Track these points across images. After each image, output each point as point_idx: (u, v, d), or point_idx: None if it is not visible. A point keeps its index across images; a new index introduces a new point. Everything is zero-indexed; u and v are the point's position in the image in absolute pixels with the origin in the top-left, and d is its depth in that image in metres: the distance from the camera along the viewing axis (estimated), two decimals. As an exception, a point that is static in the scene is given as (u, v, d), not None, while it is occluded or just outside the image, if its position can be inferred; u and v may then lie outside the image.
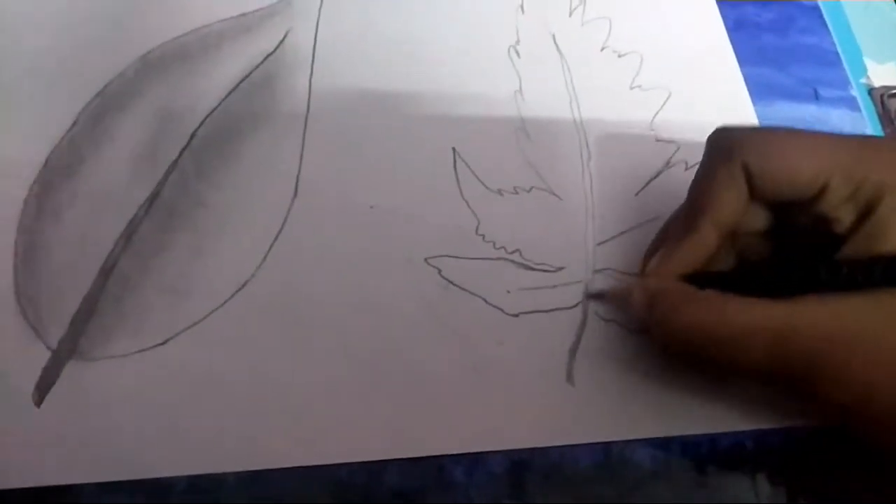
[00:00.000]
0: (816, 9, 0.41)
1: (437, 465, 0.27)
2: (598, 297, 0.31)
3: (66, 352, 0.27)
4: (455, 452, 0.27)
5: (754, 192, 0.26)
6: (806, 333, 0.23)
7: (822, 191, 0.25)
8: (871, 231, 0.24)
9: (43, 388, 0.26)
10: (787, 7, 0.41)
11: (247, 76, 0.33)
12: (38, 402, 0.26)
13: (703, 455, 0.29)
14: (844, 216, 0.25)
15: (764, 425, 0.29)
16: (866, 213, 0.25)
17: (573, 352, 0.30)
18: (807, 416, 0.29)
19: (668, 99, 0.35)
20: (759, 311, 0.24)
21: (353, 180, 0.32)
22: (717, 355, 0.25)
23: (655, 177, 0.33)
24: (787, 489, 0.29)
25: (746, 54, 0.38)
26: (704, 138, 0.28)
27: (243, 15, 0.35)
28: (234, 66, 0.33)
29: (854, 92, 0.39)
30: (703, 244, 0.27)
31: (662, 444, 0.29)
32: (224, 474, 0.26)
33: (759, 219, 0.28)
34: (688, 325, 0.25)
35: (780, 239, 0.28)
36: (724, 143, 0.27)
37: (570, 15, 0.37)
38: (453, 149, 0.33)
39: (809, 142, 0.26)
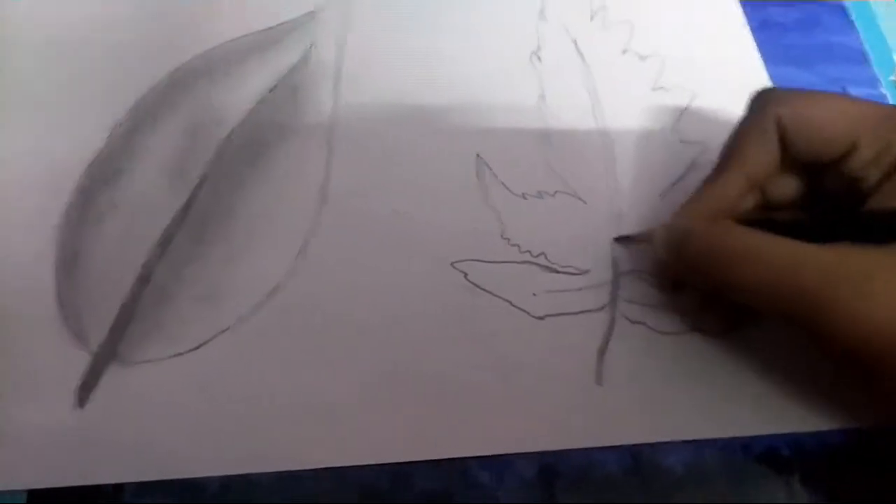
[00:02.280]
0: (842, 7, 0.41)
1: (463, 468, 0.28)
2: (625, 239, 0.32)
3: (105, 356, 0.28)
4: (482, 455, 0.28)
5: (786, 151, 0.27)
6: (813, 267, 0.23)
7: (851, 149, 0.26)
8: (892, 186, 0.25)
9: (84, 392, 0.27)
10: (812, 6, 0.41)
11: (273, 88, 0.34)
12: (81, 405, 0.27)
13: (736, 459, 0.29)
14: (871, 175, 0.26)
15: (799, 429, 0.29)
16: (891, 171, 0.25)
17: (601, 353, 0.30)
18: (843, 420, 0.29)
19: (692, 100, 0.35)
20: (778, 241, 0.24)
21: (380, 188, 0.32)
22: (731, 277, 0.25)
23: (680, 178, 0.33)
24: (824, 495, 0.28)
25: (772, 54, 0.38)
26: (729, 139, 0.28)
27: (269, 29, 0.35)
28: (261, 79, 0.34)
29: (883, 89, 0.39)
30: (727, 189, 0.28)
31: (694, 447, 0.29)
32: (255, 475, 0.27)
33: (789, 186, 0.28)
34: (708, 246, 0.26)
35: (810, 208, 0.29)
36: (761, 98, 0.28)
37: (592, 19, 0.38)
38: (477, 155, 0.33)
39: (841, 101, 0.27)
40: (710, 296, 0.29)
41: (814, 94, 0.27)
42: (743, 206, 0.28)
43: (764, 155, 0.27)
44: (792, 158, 0.27)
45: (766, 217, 0.29)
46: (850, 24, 0.40)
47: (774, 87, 0.29)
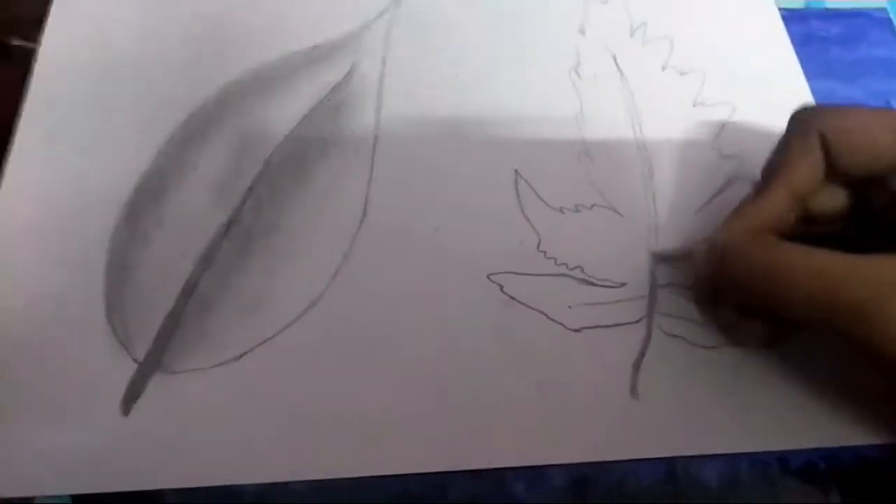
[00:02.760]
0: (888, 21, 0.40)
1: (499, 479, 0.28)
2: (664, 258, 0.32)
3: (151, 365, 0.29)
4: (518, 465, 0.28)
5: (831, 166, 0.27)
6: (857, 280, 0.23)
7: None
8: None
9: (130, 399, 0.28)
10: (856, 20, 0.40)
11: (317, 105, 0.35)
12: (126, 412, 0.28)
13: (772, 473, 0.28)
14: None
15: (837, 444, 0.28)
16: None
17: (637, 366, 0.29)
18: (882, 435, 0.29)
19: (731, 115, 0.35)
20: (823, 254, 0.24)
21: (419, 203, 0.33)
22: (776, 291, 0.25)
23: (718, 192, 0.33)
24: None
25: (814, 68, 0.38)
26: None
27: (315, 47, 0.37)
28: (306, 96, 0.35)
29: (928, 103, 0.38)
30: (771, 205, 0.27)
31: (730, 461, 0.28)
32: (292, 483, 0.27)
33: (835, 199, 0.28)
34: (751, 259, 0.26)
35: (857, 222, 0.28)
36: (803, 115, 0.28)
37: (632, 35, 0.38)
38: (515, 170, 0.33)
39: (886, 116, 0.26)
40: (750, 311, 0.28)
41: (857, 110, 0.27)
42: (787, 222, 0.28)
43: (808, 171, 0.27)
44: (836, 173, 0.27)
45: (809, 231, 0.28)
46: (894, 37, 0.39)
47: (816, 104, 0.28)
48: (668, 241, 0.32)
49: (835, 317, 0.24)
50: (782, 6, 0.40)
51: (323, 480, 0.27)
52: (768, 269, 0.25)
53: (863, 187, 0.28)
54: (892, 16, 0.40)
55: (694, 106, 0.36)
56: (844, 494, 0.28)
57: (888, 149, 0.26)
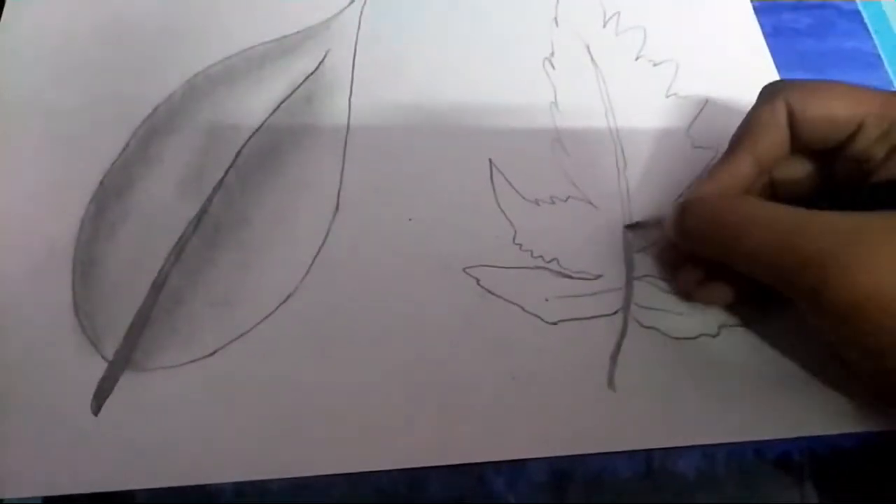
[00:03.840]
0: (856, 13, 0.41)
1: (477, 474, 0.28)
2: (635, 226, 0.32)
3: (121, 363, 0.28)
4: (496, 460, 0.28)
5: (795, 136, 0.28)
6: (816, 230, 0.23)
7: (858, 129, 0.27)
8: None
9: (100, 398, 0.28)
10: (825, 12, 0.40)
11: (288, 96, 0.34)
12: (96, 412, 0.27)
13: (748, 464, 0.28)
14: (877, 152, 0.27)
15: (811, 433, 0.29)
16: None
17: (614, 358, 0.30)
18: (856, 423, 0.29)
19: (704, 106, 0.35)
20: (779, 207, 0.25)
21: (393, 194, 0.32)
22: (732, 241, 0.26)
23: (692, 183, 0.33)
24: (836, 499, 0.28)
25: (785, 60, 0.38)
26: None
27: (284, 37, 0.36)
28: (277, 87, 0.34)
29: (898, 94, 0.38)
30: (737, 170, 0.28)
31: (706, 452, 0.28)
32: (269, 481, 0.27)
33: (800, 170, 0.30)
34: (711, 211, 0.27)
35: (822, 196, 0.29)
36: (771, 87, 0.29)
37: (605, 26, 0.38)
38: (490, 160, 0.33)
39: (847, 87, 0.28)
40: (714, 270, 0.29)
41: (821, 82, 0.28)
42: (751, 190, 0.29)
43: (773, 139, 0.28)
44: (801, 145, 0.28)
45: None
46: (864, 29, 0.40)
47: (783, 79, 0.30)
48: (644, 232, 0.32)
49: (787, 269, 0.24)
50: (754, -2, 0.40)
51: (299, 478, 0.27)
52: (729, 221, 0.26)
53: (827, 160, 0.29)
54: (860, 7, 0.41)
55: (667, 96, 0.36)
56: (818, 484, 0.28)
57: (849, 115, 0.27)
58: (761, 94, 0.29)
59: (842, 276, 0.23)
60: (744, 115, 0.29)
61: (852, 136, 0.27)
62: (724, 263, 0.27)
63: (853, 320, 0.23)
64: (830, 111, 0.27)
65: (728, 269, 0.27)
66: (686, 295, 0.31)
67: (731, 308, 0.31)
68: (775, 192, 0.30)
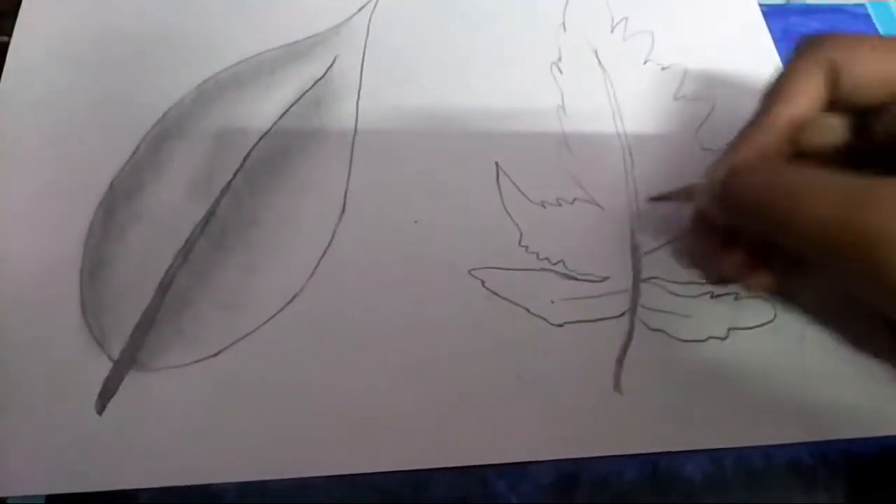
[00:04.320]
0: (866, 16, 0.40)
1: (481, 475, 0.27)
2: (659, 199, 0.31)
3: (126, 363, 0.28)
4: (501, 462, 0.27)
5: (835, 94, 0.25)
6: (885, 204, 0.21)
7: None
8: None
9: (105, 397, 0.28)
10: (835, 15, 0.40)
11: (297, 100, 0.34)
12: (101, 411, 0.27)
13: (756, 468, 0.28)
14: None
15: (821, 438, 0.28)
16: None
17: (620, 361, 0.29)
18: (866, 428, 0.29)
19: (713, 109, 0.35)
20: (836, 176, 0.22)
21: (399, 196, 0.32)
22: (783, 216, 0.23)
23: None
24: (850, 505, 0.28)
25: (795, 64, 0.38)
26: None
27: (294, 43, 0.36)
28: (286, 91, 0.35)
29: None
30: (774, 129, 0.26)
31: (713, 456, 0.28)
32: (272, 481, 0.27)
33: (833, 133, 0.27)
34: (753, 185, 0.24)
35: (857, 159, 0.27)
36: (810, 42, 0.26)
37: (612, 31, 0.38)
38: (496, 163, 0.33)
39: (893, 43, 0.25)
40: (757, 251, 0.27)
41: (865, 36, 0.26)
42: (782, 151, 0.26)
43: (812, 97, 0.25)
44: (839, 104, 0.26)
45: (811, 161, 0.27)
46: (875, 32, 0.40)
47: (824, 32, 0.26)
48: (650, 235, 0.32)
49: (846, 245, 0.21)
50: (762, 2, 0.40)
51: (302, 479, 0.27)
52: (779, 191, 0.23)
53: (864, 119, 0.26)
54: (870, 10, 0.40)
55: (675, 100, 0.36)
56: (829, 489, 0.28)
57: (892, 72, 0.25)
58: (799, 46, 0.26)
59: None
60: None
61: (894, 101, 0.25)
62: (768, 243, 0.24)
63: None
64: (878, 67, 0.25)
65: (769, 251, 0.25)
66: (724, 281, 0.29)
67: (739, 309, 0.31)
68: (807, 155, 0.27)
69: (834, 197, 0.22)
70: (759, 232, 0.25)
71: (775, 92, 0.26)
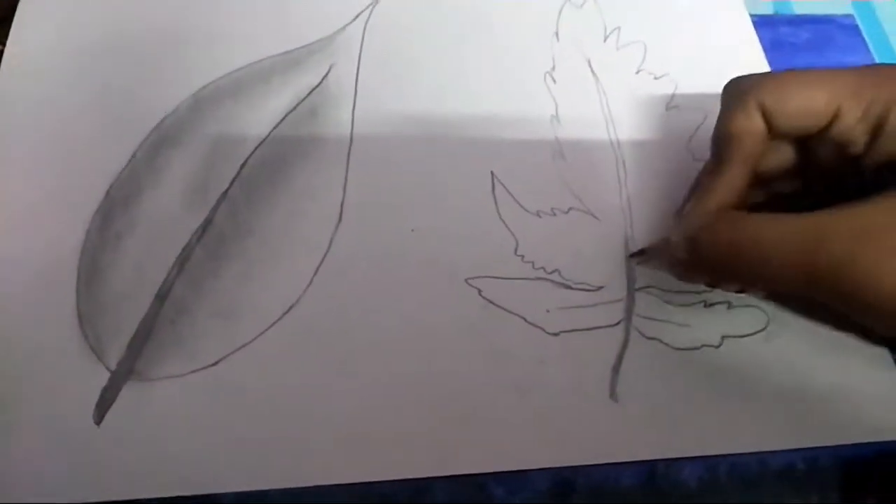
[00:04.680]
0: (855, 27, 0.41)
1: (479, 484, 0.27)
2: (639, 254, 0.32)
3: (124, 373, 0.28)
4: (498, 470, 0.28)
5: (772, 129, 0.27)
6: (835, 235, 0.23)
7: (836, 116, 0.26)
8: (885, 142, 0.26)
9: (103, 408, 0.28)
10: (824, 26, 0.41)
11: (293, 108, 0.35)
12: (99, 421, 0.27)
13: (751, 474, 0.28)
14: (858, 137, 0.27)
15: (814, 443, 0.29)
16: (878, 127, 0.26)
17: (616, 369, 0.30)
18: (859, 434, 0.29)
19: (704, 119, 0.36)
20: (788, 221, 0.25)
21: (396, 205, 0.33)
22: (751, 270, 0.26)
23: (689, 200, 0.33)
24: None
25: (784, 74, 0.38)
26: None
27: (290, 51, 0.36)
28: (282, 100, 0.35)
29: None
30: (731, 180, 0.28)
31: (709, 462, 0.28)
32: (270, 490, 0.27)
33: (782, 156, 0.29)
34: (722, 244, 0.26)
35: (807, 175, 0.29)
36: (738, 88, 0.28)
37: (605, 41, 0.38)
38: (491, 172, 0.33)
39: (818, 75, 0.27)
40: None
41: (790, 74, 0.28)
42: (744, 191, 0.28)
43: (755, 139, 0.28)
44: (779, 135, 0.28)
45: (771, 195, 0.30)
46: (863, 43, 0.40)
47: (746, 76, 0.29)
48: (645, 243, 0.32)
49: (812, 279, 0.24)
50: (752, 12, 0.40)
51: (301, 487, 0.27)
52: (739, 247, 0.25)
53: (809, 146, 0.28)
54: (858, 22, 0.41)
55: (667, 109, 0.36)
56: (823, 495, 0.28)
57: (825, 103, 0.26)
58: (728, 95, 0.29)
59: (876, 274, 0.23)
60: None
61: (831, 123, 0.27)
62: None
63: (890, 311, 0.23)
64: (804, 103, 0.27)
65: None
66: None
67: (733, 318, 0.31)
68: (759, 177, 0.29)
69: (793, 238, 0.24)
70: (732, 282, 0.28)
71: (722, 142, 0.28)
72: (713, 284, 0.31)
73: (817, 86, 0.27)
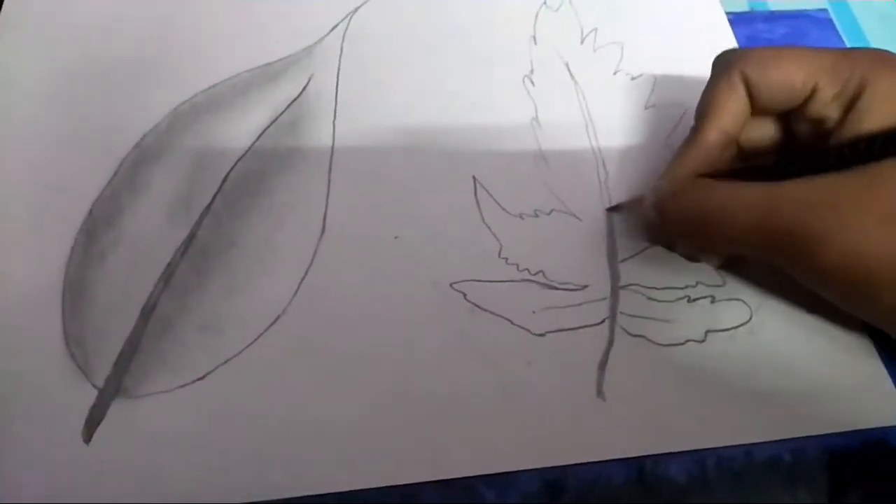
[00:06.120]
0: (829, 21, 0.41)
1: (468, 486, 0.28)
2: (616, 209, 0.33)
3: (111, 390, 0.28)
4: (488, 473, 0.28)
5: (754, 103, 0.29)
6: (792, 203, 0.25)
7: (813, 91, 0.28)
8: (854, 119, 0.27)
9: (91, 426, 0.28)
10: (799, 21, 0.41)
11: (274, 121, 0.35)
12: (87, 440, 0.27)
13: (738, 467, 0.28)
14: (833, 113, 0.28)
15: (800, 434, 0.29)
16: (850, 105, 0.27)
17: (602, 367, 0.30)
18: (844, 423, 0.29)
19: (682, 116, 0.36)
20: (749, 188, 0.26)
21: (378, 214, 0.33)
22: (713, 232, 0.27)
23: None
24: (827, 500, 0.28)
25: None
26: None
27: (268, 64, 0.36)
28: (262, 113, 0.35)
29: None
30: (706, 147, 0.29)
31: (696, 456, 0.29)
32: (261, 503, 0.27)
33: (762, 131, 0.31)
34: (687, 206, 0.28)
35: (786, 152, 0.31)
36: (725, 59, 0.30)
37: (582, 42, 0.38)
38: (473, 177, 0.34)
39: (799, 52, 0.29)
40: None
41: (773, 49, 0.29)
42: (722, 159, 0.30)
43: (735, 109, 0.29)
44: (760, 109, 0.29)
45: (744, 166, 0.31)
46: (838, 37, 0.41)
47: (734, 49, 0.31)
48: (627, 242, 0.33)
49: (769, 245, 0.26)
50: (728, 9, 0.41)
51: (291, 498, 0.27)
52: (705, 212, 0.27)
53: (787, 121, 0.30)
54: (833, 16, 0.41)
55: (646, 109, 0.37)
56: (809, 485, 0.28)
57: (803, 79, 0.28)
58: (716, 65, 0.30)
59: (826, 242, 0.24)
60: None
61: (808, 99, 0.28)
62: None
63: (847, 276, 0.25)
64: (785, 77, 0.28)
65: None
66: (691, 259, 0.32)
67: (716, 312, 0.31)
68: (742, 152, 0.31)
69: (753, 206, 0.26)
70: (699, 244, 0.30)
71: (703, 110, 0.30)
72: (670, 246, 0.32)
73: (798, 62, 0.28)
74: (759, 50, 0.29)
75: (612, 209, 0.33)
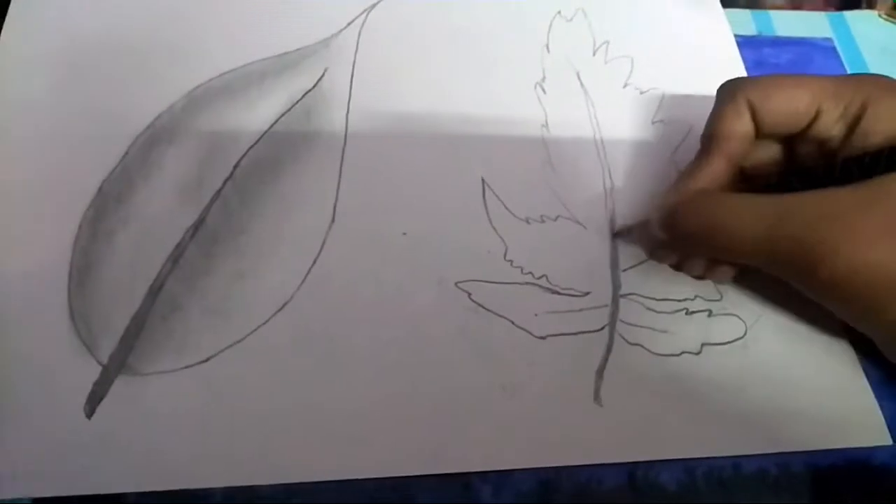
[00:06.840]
0: (833, 49, 0.42)
1: (465, 483, 0.28)
2: (624, 231, 0.33)
3: (115, 367, 0.29)
4: (484, 469, 0.28)
5: (759, 128, 0.30)
6: (801, 213, 0.26)
7: (817, 115, 0.29)
8: (858, 138, 0.28)
9: (94, 402, 0.28)
10: (804, 48, 0.42)
11: (288, 110, 0.35)
12: (90, 415, 0.28)
13: (726, 478, 0.29)
14: (836, 133, 0.29)
15: (787, 449, 0.30)
16: (853, 125, 0.28)
17: (600, 373, 0.30)
18: (830, 440, 0.30)
19: (688, 133, 0.37)
20: (759, 199, 0.27)
21: (388, 208, 0.33)
22: (723, 242, 0.28)
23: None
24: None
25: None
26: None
27: (285, 54, 0.37)
28: (276, 101, 0.35)
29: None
30: (712, 172, 0.30)
31: (687, 466, 0.29)
32: (258, 486, 0.27)
33: (767, 154, 0.31)
34: (696, 217, 0.28)
35: (789, 174, 0.31)
36: (731, 87, 0.31)
37: (594, 54, 0.39)
38: (482, 179, 0.34)
39: (801, 79, 0.30)
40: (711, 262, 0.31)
41: (775, 77, 0.30)
42: (726, 181, 0.31)
43: (741, 135, 0.30)
44: (764, 134, 0.30)
45: (750, 188, 0.31)
46: (840, 64, 0.42)
47: (739, 78, 0.32)
48: (629, 253, 0.33)
49: (776, 256, 0.26)
50: (736, 33, 0.41)
51: (289, 484, 0.27)
52: (715, 222, 0.28)
53: (792, 144, 0.31)
54: (836, 44, 0.42)
55: (652, 123, 0.37)
56: (794, 499, 0.29)
57: (807, 104, 0.29)
58: (721, 93, 0.31)
59: (832, 253, 0.25)
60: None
61: (812, 122, 0.29)
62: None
63: (852, 288, 0.25)
64: (789, 103, 0.29)
65: None
66: (697, 277, 0.32)
67: (712, 326, 0.32)
68: (746, 175, 0.32)
69: (763, 215, 0.26)
70: (707, 255, 0.30)
71: (710, 136, 0.31)
72: (679, 267, 0.32)
73: (801, 88, 0.29)
74: (764, 78, 0.30)
75: (618, 234, 0.34)
